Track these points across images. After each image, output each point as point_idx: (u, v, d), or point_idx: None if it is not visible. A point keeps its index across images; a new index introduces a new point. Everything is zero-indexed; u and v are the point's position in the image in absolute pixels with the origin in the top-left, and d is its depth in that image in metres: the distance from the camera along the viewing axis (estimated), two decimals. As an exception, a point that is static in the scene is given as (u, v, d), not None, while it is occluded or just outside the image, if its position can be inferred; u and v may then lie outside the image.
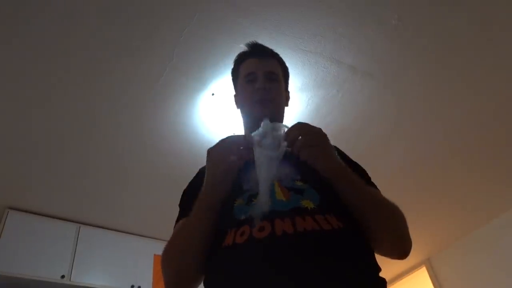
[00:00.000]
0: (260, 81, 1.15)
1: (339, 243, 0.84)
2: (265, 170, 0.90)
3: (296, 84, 2.42)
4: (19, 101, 2.28)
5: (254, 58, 1.22)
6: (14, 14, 1.88)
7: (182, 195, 1.14)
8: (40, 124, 2.43)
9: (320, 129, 0.95)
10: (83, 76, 2.22)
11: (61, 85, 2.24)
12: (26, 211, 3.02)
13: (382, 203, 0.98)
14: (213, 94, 2.40)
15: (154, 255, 3.34)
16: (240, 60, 1.26)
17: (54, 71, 2.17)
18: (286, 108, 1.24)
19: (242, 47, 1.28)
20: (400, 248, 1.00)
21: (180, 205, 1.11)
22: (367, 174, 1.12)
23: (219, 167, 0.92)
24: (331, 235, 0.84)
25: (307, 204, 0.89)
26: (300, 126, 0.95)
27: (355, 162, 1.14)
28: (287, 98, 1.28)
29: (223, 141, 0.94)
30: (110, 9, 1.93)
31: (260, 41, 2.09)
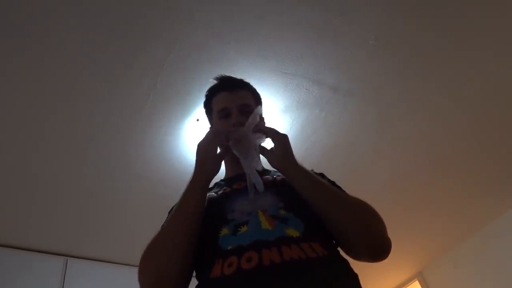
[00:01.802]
0: (234, 116, 1.16)
1: (325, 271, 0.85)
2: (246, 158, 1.04)
3: (279, 106, 2.45)
4: (3, 134, 2.26)
5: (225, 92, 1.23)
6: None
7: (165, 221, 1.13)
8: (22, 157, 2.40)
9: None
10: (67, 106, 2.21)
11: (42, 116, 2.23)
12: (10, 247, 2.95)
13: (345, 198, 1.01)
14: (197, 120, 2.41)
15: (144, 284, 3.28)
16: (211, 94, 1.28)
17: (36, 100, 2.15)
18: None
19: (212, 81, 1.29)
20: (373, 244, 0.97)
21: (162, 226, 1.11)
22: (336, 184, 1.14)
23: (204, 147, 1.03)
24: (317, 262, 0.85)
25: (292, 232, 0.90)
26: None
27: (329, 179, 1.16)
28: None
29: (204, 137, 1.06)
30: (92, 37, 1.95)
31: (241, 66, 2.17)
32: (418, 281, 4.33)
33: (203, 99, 2.27)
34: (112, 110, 2.28)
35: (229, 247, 0.90)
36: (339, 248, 1.01)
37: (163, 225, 1.09)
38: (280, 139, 1.04)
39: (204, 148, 1.03)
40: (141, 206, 2.91)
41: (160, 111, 2.34)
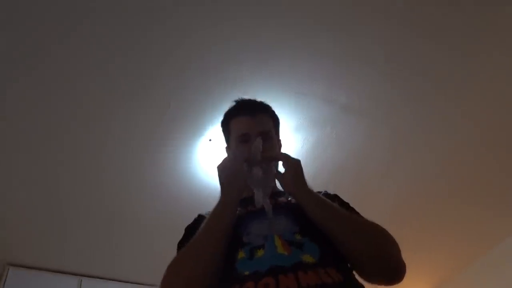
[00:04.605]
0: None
1: None
2: (258, 183, 1.06)
3: (291, 125, 2.47)
4: (19, 155, 2.32)
5: (245, 117, 1.22)
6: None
7: (182, 239, 1.13)
8: (38, 179, 2.45)
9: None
10: (81, 127, 2.27)
11: (59, 140, 2.29)
12: (26, 267, 2.98)
13: (357, 222, 1.01)
14: (210, 140, 2.44)
15: (157, 303, 3.28)
16: (231, 116, 1.26)
17: (54, 128, 2.23)
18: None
19: (231, 102, 1.29)
20: (387, 268, 0.98)
21: (180, 243, 1.10)
22: (351, 207, 1.14)
23: (231, 166, 1.04)
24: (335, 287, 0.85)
25: (308, 259, 0.90)
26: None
27: (344, 200, 1.16)
28: (279, 146, 1.30)
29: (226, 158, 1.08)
30: (107, 59, 2.01)
31: (254, 86, 2.20)
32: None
33: (216, 118, 2.33)
34: (126, 129, 2.33)
35: (246, 272, 0.90)
36: (354, 272, 1.00)
37: (180, 243, 1.09)
38: (291, 164, 1.06)
39: (231, 167, 1.03)
40: (155, 225, 2.92)
41: (174, 131, 2.38)
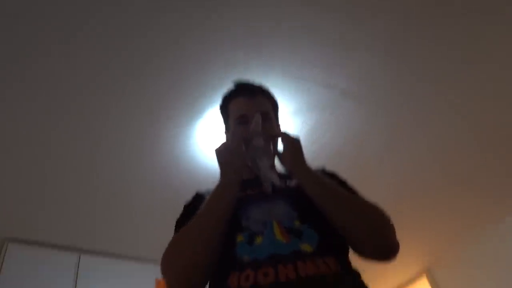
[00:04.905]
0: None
1: (340, 286, 0.88)
2: (260, 160, 1.06)
3: (289, 109, 2.48)
4: (19, 132, 2.33)
5: (244, 98, 1.22)
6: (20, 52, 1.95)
7: (180, 216, 1.14)
8: (39, 155, 2.47)
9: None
10: (82, 110, 2.27)
11: (60, 118, 2.29)
12: (25, 242, 3.02)
13: (354, 201, 1.02)
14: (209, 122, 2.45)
15: (156, 279, 3.34)
16: (229, 98, 1.26)
17: (55, 107, 2.22)
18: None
19: (230, 84, 1.28)
20: (381, 246, 1.00)
21: (178, 221, 1.12)
22: (349, 185, 1.15)
23: (230, 148, 1.01)
24: (331, 278, 0.87)
25: (306, 248, 0.91)
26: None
27: (342, 178, 1.17)
28: (278, 129, 1.29)
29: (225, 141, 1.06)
30: (107, 40, 1.99)
31: (253, 70, 2.20)
32: (426, 277, 4.35)
33: (215, 101, 2.34)
34: (125, 110, 2.32)
35: (245, 259, 0.91)
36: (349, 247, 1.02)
37: (178, 221, 1.11)
38: (290, 141, 1.06)
39: (229, 147, 1.01)
40: (153, 203, 2.96)
41: (172, 112, 2.38)
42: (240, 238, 0.96)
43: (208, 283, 0.99)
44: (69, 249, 3.17)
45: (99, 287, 3.12)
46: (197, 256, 0.94)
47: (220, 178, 1.01)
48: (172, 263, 0.96)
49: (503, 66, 2.46)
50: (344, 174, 1.21)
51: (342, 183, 1.14)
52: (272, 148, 1.12)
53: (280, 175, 1.14)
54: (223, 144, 1.04)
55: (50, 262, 3.03)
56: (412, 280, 4.52)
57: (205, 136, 2.55)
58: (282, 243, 0.92)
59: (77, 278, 3.04)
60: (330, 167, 1.18)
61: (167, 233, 1.09)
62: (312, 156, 2.71)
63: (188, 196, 1.21)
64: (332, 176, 1.17)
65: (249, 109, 1.18)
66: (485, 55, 2.38)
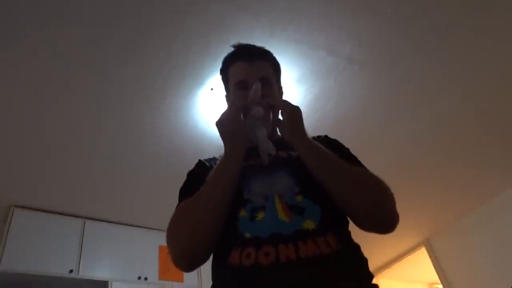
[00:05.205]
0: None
1: (339, 266, 0.87)
2: (258, 130, 1.03)
3: (293, 76, 2.44)
4: (24, 101, 2.32)
5: (244, 62, 1.17)
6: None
7: (184, 184, 1.13)
8: (43, 123, 2.47)
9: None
10: (85, 78, 2.25)
11: (64, 87, 2.28)
12: (31, 209, 3.07)
13: (353, 172, 0.99)
14: (212, 89, 2.43)
15: (159, 246, 3.41)
16: (229, 62, 1.21)
17: (58, 76, 2.21)
18: None
19: (230, 48, 1.23)
20: (380, 218, 0.98)
21: (182, 189, 1.10)
22: (351, 154, 1.13)
23: (231, 119, 0.99)
24: (332, 258, 0.87)
25: (308, 225, 0.91)
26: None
27: (344, 147, 1.15)
28: (280, 95, 1.25)
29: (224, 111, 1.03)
30: (109, 10, 1.96)
31: (256, 35, 2.16)
32: (425, 247, 4.43)
33: (217, 68, 2.28)
34: (128, 79, 2.31)
35: (247, 235, 0.91)
36: (348, 218, 1.02)
37: (182, 188, 1.09)
38: (290, 111, 1.03)
39: (228, 117, 0.99)
40: (156, 171, 2.98)
41: (175, 80, 2.36)
42: (242, 213, 0.95)
43: (211, 258, 0.98)
44: (74, 215, 3.22)
45: (104, 252, 3.19)
46: (203, 225, 0.93)
47: (224, 149, 1.00)
48: (177, 233, 0.95)
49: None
50: (347, 141, 1.19)
51: (344, 152, 1.12)
52: (271, 117, 1.09)
53: (283, 145, 1.10)
54: (223, 114, 1.01)
55: (56, 227, 3.09)
56: (411, 250, 4.61)
57: (208, 104, 2.53)
58: (284, 222, 0.91)
59: (82, 242, 3.11)
60: (333, 134, 1.17)
61: (170, 202, 1.09)
62: (316, 124, 2.74)
63: (191, 164, 1.20)
64: (335, 144, 1.14)
65: (249, 74, 1.14)
66: (502, 28, 2.32)
